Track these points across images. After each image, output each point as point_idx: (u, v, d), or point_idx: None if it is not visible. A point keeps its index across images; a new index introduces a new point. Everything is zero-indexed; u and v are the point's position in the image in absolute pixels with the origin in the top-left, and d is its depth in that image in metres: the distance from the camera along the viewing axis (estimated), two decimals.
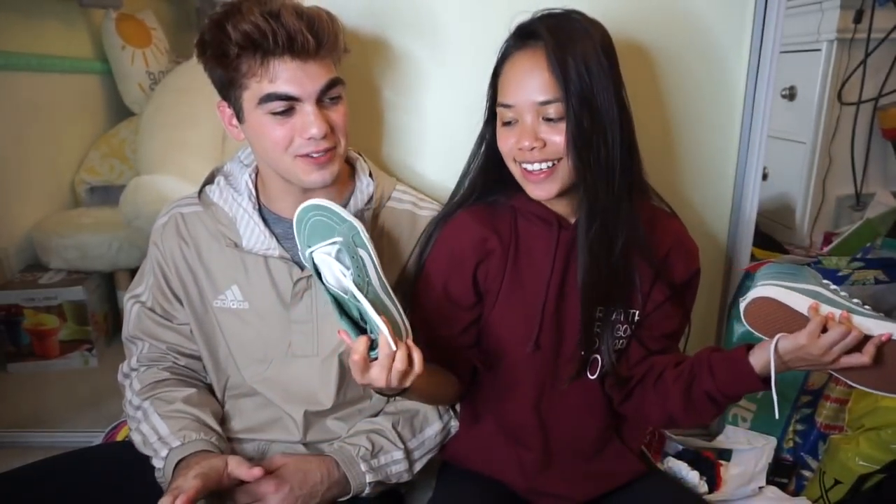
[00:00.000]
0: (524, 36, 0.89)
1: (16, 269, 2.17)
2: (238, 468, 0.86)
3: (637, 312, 0.96)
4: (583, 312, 0.92)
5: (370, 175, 1.02)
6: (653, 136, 1.24)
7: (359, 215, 0.98)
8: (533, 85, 0.86)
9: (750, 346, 0.87)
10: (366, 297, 0.80)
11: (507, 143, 0.91)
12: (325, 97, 0.89)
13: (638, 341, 0.97)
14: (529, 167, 0.89)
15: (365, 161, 1.04)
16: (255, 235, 0.97)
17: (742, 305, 0.84)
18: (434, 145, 1.21)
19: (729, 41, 1.20)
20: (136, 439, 0.96)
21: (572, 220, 0.96)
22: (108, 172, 2.46)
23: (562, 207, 0.95)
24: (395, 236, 1.00)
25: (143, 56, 2.48)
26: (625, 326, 0.96)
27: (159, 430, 0.93)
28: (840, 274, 1.47)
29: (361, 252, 0.85)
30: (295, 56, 0.84)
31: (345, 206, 0.99)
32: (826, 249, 1.90)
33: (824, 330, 0.79)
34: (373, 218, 0.99)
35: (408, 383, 0.81)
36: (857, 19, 2.01)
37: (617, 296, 0.94)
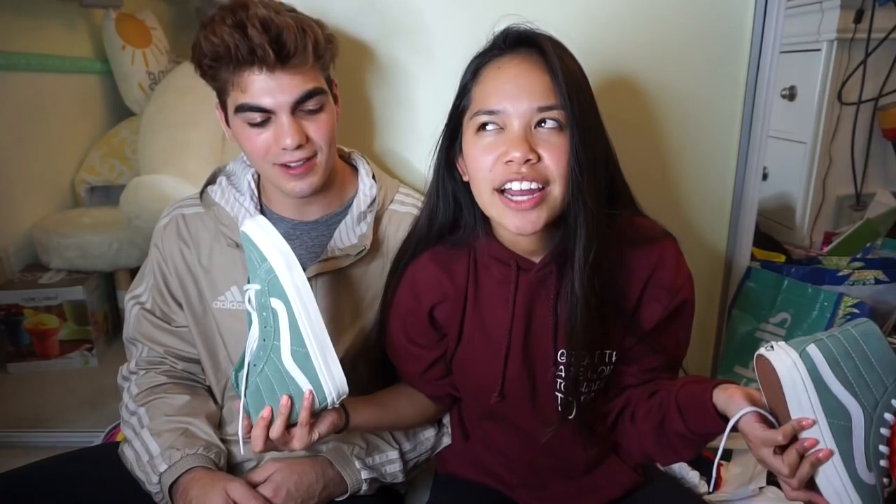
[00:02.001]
0: (515, 42, 0.80)
1: (16, 269, 2.17)
2: (246, 500, 0.87)
3: (614, 353, 0.88)
4: (574, 362, 0.83)
5: (373, 177, 1.02)
6: (652, 136, 1.24)
7: (361, 218, 0.98)
8: (531, 88, 0.76)
9: (719, 383, 0.76)
10: (259, 367, 0.75)
11: (484, 159, 0.77)
12: (302, 108, 0.87)
13: (617, 378, 0.91)
14: (515, 187, 0.76)
15: (368, 163, 1.03)
16: None
17: (762, 350, 0.69)
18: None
19: (729, 41, 1.20)
20: (129, 456, 0.95)
21: (536, 260, 0.86)
22: (108, 172, 2.46)
23: (527, 245, 0.85)
24: (397, 240, 1.00)
25: (144, 56, 2.48)
26: (601, 367, 0.88)
27: (150, 448, 0.93)
28: (840, 274, 1.48)
29: (275, 303, 0.75)
30: (262, 68, 0.83)
31: (346, 208, 0.99)
32: (826, 249, 1.90)
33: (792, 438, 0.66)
34: (375, 221, 0.98)
35: (298, 447, 0.79)
36: (857, 19, 2.01)
37: (597, 340, 0.85)
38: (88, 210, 2.37)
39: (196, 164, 2.12)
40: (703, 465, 1.14)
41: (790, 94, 2.25)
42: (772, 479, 1.22)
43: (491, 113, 0.77)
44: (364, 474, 0.95)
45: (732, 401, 0.71)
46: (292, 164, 0.89)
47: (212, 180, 1.03)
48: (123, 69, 2.45)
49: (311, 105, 0.87)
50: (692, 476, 1.10)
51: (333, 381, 0.76)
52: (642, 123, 1.23)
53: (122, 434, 1.00)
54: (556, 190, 0.77)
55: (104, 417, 1.60)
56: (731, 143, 1.26)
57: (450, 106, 0.86)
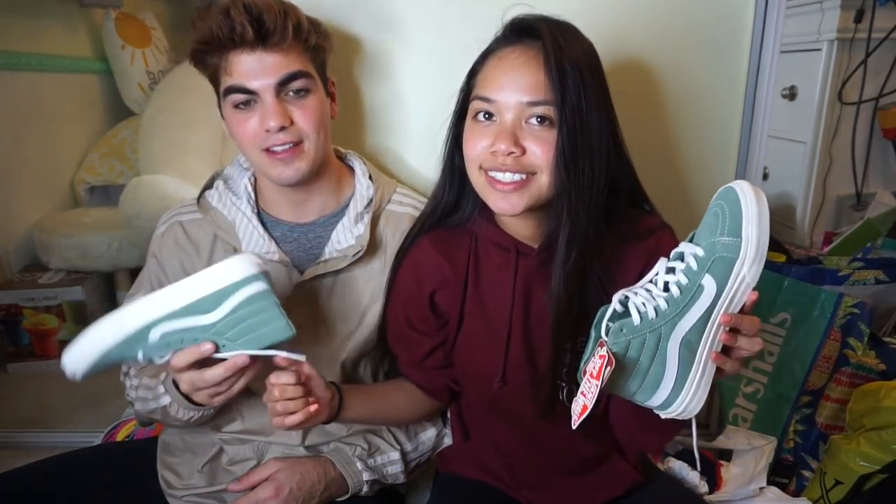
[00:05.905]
0: (519, 32, 0.81)
1: (16, 269, 2.17)
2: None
3: None
4: (553, 348, 0.84)
5: (370, 178, 1.01)
6: (653, 136, 1.24)
7: (358, 219, 0.98)
8: (523, 82, 0.77)
9: None
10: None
11: (477, 144, 0.81)
12: (287, 90, 0.88)
13: None
14: (499, 176, 0.79)
15: (364, 163, 1.03)
16: (254, 239, 0.96)
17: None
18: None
19: (729, 41, 1.20)
20: (139, 408, 0.95)
21: (535, 245, 0.87)
22: (108, 172, 2.46)
23: (524, 230, 0.87)
24: (395, 240, 0.99)
25: (143, 56, 2.48)
26: None
27: (151, 381, 0.94)
28: (840, 274, 1.48)
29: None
30: (246, 48, 0.85)
31: (343, 209, 0.99)
32: (826, 249, 1.90)
33: None
34: (372, 221, 0.98)
35: (299, 419, 0.81)
36: (858, 19, 2.01)
37: (582, 331, 0.83)
38: (88, 210, 2.37)
39: (196, 164, 2.12)
40: (703, 465, 1.14)
41: (790, 94, 2.25)
42: (772, 480, 1.22)
43: (486, 101, 0.80)
44: (366, 475, 0.95)
45: None
46: (278, 149, 0.89)
47: (209, 185, 1.02)
48: (123, 69, 2.45)
49: (295, 86, 0.88)
50: (692, 476, 1.10)
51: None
52: (642, 123, 1.23)
53: (135, 405, 0.99)
54: (543, 178, 0.79)
55: (104, 417, 1.59)
56: (731, 142, 1.26)
57: (438, 101, 0.90)
